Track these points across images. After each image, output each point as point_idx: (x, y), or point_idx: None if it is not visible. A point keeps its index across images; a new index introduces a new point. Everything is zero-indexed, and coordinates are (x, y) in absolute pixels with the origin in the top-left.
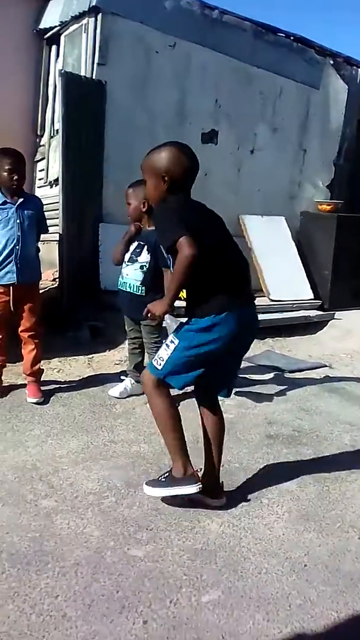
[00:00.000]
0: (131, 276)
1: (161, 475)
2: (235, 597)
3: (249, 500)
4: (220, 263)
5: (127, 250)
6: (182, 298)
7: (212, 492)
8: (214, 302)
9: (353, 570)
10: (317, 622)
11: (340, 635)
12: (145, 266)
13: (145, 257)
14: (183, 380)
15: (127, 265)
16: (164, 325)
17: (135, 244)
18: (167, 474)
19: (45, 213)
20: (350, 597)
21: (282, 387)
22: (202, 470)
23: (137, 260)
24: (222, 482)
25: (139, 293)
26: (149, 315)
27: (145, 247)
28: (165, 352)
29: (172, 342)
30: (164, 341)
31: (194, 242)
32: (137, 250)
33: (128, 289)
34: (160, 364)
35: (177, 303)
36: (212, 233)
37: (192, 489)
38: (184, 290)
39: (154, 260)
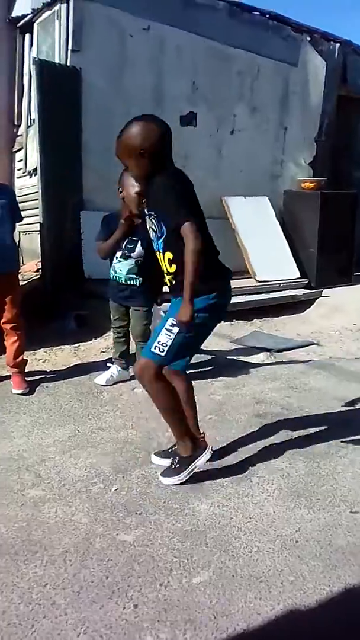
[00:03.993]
0: (125, 271)
1: (172, 463)
2: (227, 577)
3: (239, 479)
4: (207, 236)
5: (118, 247)
6: (168, 279)
7: (197, 448)
8: (210, 280)
9: (345, 544)
10: (309, 597)
11: (333, 609)
12: (141, 260)
13: (139, 252)
14: (185, 362)
15: (120, 261)
16: (152, 310)
17: (126, 240)
18: (177, 458)
19: (26, 203)
20: (343, 571)
21: (270, 366)
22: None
23: (130, 257)
24: (203, 433)
25: (137, 285)
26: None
27: (139, 242)
28: (167, 337)
29: (173, 325)
30: (163, 327)
31: (198, 229)
32: (130, 247)
33: (123, 282)
34: (162, 350)
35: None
36: (198, 203)
37: (206, 457)
38: (171, 266)
39: (148, 251)
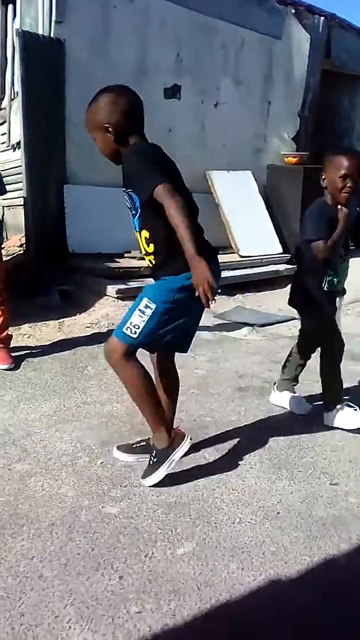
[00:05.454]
0: (345, 274)
1: (150, 459)
2: (210, 547)
3: (221, 452)
4: (192, 210)
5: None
6: (148, 259)
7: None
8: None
9: (325, 516)
10: (290, 567)
11: (314, 579)
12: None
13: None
14: (157, 343)
15: (340, 263)
16: None
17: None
18: (154, 452)
19: (10, 177)
20: (323, 541)
21: (252, 341)
22: None
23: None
24: (178, 426)
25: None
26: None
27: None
28: (140, 319)
29: (147, 307)
30: (137, 307)
31: (173, 190)
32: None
33: (339, 288)
34: (135, 332)
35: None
36: (179, 178)
37: (186, 446)
38: (148, 246)
39: None
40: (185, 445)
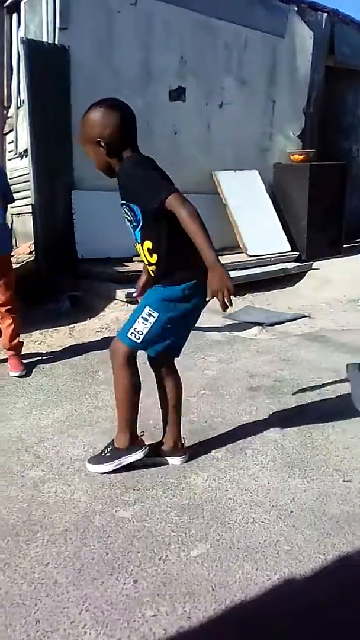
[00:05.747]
0: None
1: (103, 450)
2: (224, 548)
3: (234, 452)
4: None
5: None
6: (151, 270)
7: (173, 452)
8: (190, 267)
9: (339, 513)
10: (305, 566)
11: (329, 577)
12: None
13: None
14: (157, 350)
15: None
16: None
17: None
18: (110, 447)
19: (18, 185)
20: (337, 539)
21: (262, 340)
22: (163, 432)
23: None
24: (184, 438)
25: None
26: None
27: None
28: (143, 326)
29: (150, 315)
30: (140, 314)
31: (183, 198)
32: None
33: None
34: (138, 338)
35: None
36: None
37: (138, 455)
38: (151, 256)
39: None
40: (137, 454)
